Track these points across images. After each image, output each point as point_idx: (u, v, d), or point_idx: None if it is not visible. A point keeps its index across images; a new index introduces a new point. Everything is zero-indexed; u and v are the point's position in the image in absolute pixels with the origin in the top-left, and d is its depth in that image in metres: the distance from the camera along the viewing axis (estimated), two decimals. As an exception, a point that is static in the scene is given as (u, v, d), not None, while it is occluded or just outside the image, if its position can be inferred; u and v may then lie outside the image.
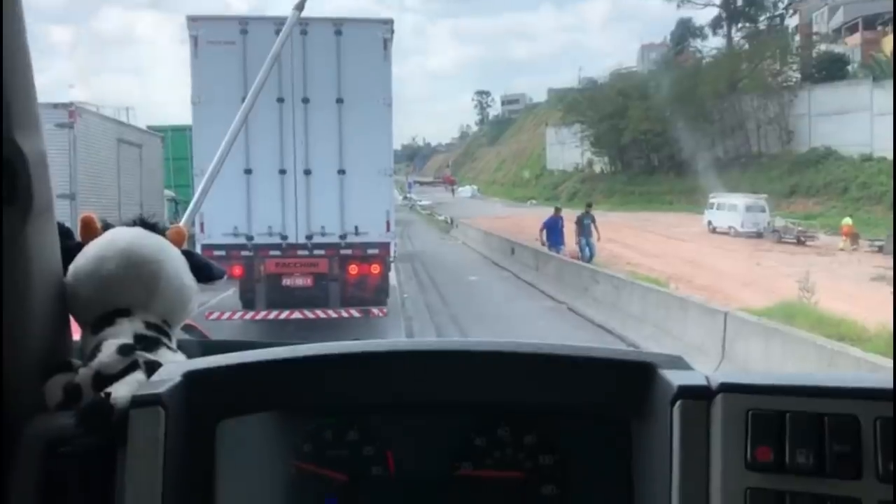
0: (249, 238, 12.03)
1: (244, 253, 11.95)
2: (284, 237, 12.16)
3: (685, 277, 20.10)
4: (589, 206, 23.20)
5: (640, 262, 21.56)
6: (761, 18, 62.36)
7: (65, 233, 1.25)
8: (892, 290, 13.25)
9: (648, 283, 14.80)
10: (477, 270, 22.74)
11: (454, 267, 23.45)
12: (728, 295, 16.80)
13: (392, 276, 14.40)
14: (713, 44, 64.04)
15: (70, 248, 1.24)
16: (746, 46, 58.31)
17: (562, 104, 69.68)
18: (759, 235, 33.71)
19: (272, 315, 12.04)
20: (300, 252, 12.23)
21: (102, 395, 1.07)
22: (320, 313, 12.07)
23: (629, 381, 1.09)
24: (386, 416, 1.15)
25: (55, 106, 13.21)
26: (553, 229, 21.73)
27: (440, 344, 1.16)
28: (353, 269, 12.39)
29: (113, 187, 15.26)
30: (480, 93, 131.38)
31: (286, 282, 12.37)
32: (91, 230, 1.27)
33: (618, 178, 60.55)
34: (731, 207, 35.84)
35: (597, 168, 65.36)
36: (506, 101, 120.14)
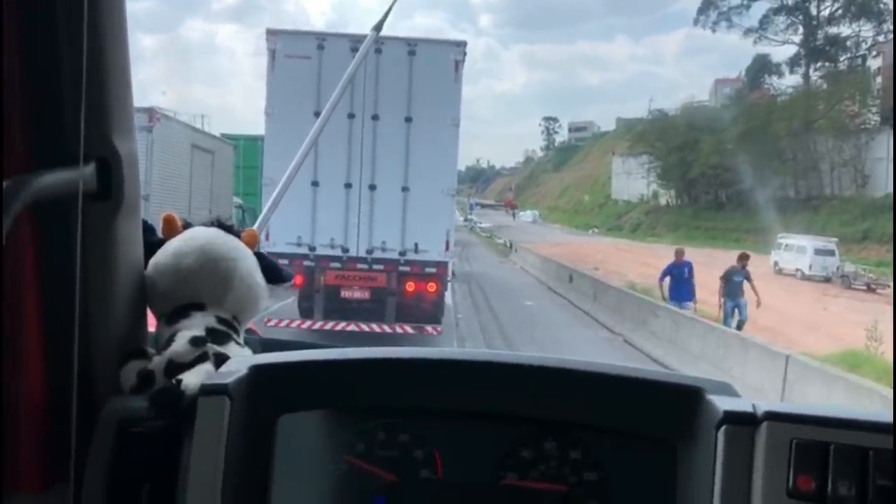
0: (312, 248, 12.23)
1: (306, 263, 12.15)
2: (346, 250, 12.33)
3: (748, 317, 19.60)
4: (745, 258, 16.47)
5: (702, 300, 20.96)
6: (842, 58, 61.01)
7: (148, 229, 1.33)
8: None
9: (709, 320, 14.51)
10: (533, 296, 22.63)
11: (511, 291, 23.38)
12: (791, 338, 16.33)
13: (448, 295, 14.44)
14: (789, 82, 62.98)
15: (152, 244, 1.33)
16: (825, 86, 57.04)
17: (630, 134, 69.18)
18: (826, 280, 32.77)
19: (329, 325, 12.20)
20: (360, 265, 12.38)
21: (174, 382, 1.14)
22: (375, 327, 12.18)
23: (676, 404, 1.10)
24: (437, 421, 1.19)
25: (136, 109, 13.68)
26: (678, 279, 15.83)
27: (494, 356, 1.19)
28: (411, 286, 12.47)
29: (184, 191, 15.73)
30: (548, 119, 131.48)
31: (344, 293, 12.53)
32: (172, 228, 1.35)
33: (683, 211, 59.65)
34: (799, 249, 34.93)
35: (662, 200, 64.52)
36: (573, 129, 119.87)
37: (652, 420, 1.12)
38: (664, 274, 16.10)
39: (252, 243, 1.38)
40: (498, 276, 27.85)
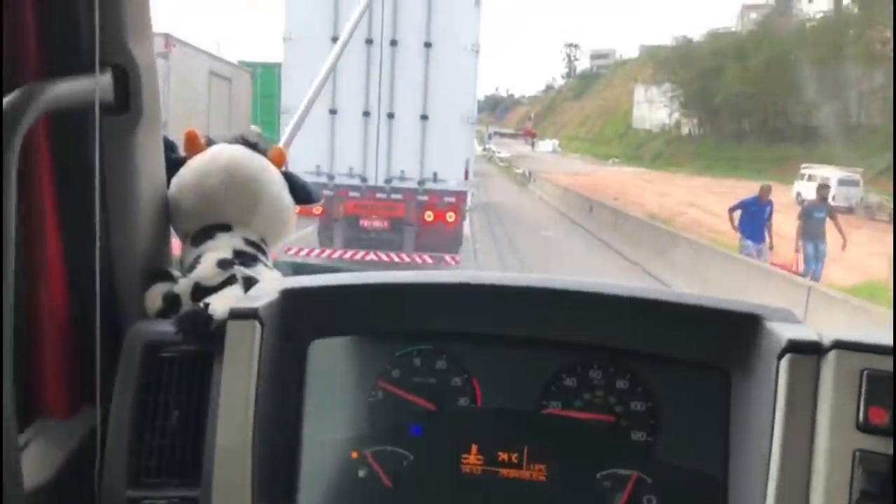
0: (331, 177, 12.20)
1: (325, 192, 12.11)
2: (364, 179, 12.29)
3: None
4: (825, 189, 14.06)
5: (723, 230, 20.74)
6: (875, -19, 58.77)
7: (170, 146, 1.27)
8: None
9: (730, 250, 14.38)
10: (552, 226, 22.52)
11: (529, 221, 23.26)
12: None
13: (466, 225, 14.41)
14: (819, 6, 60.77)
15: (173, 162, 1.27)
16: (856, 10, 55.15)
17: (653, 61, 67.58)
18: (849, 210, 32.31)
19: (348, 254, 12.23)
20: (379, 195, 12.35)
21: (201, 305, 1.09)
22: (394, 256, 12.20)
23: (733, 331, 1.05)
24: (476, 347, 1.14)
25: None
26: (754, 217, 13.14)
27: (536, 280, 1.13)
28: (429, 215, 12.45)
29: (202, 120, 15.58)
30: (569, 45, 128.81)
31: (364, 223, 12.54)
32: (195, 145, 1.29)
33: (706, 141, 58.68)
34: (822, 179, 34.42)
35: (684, 129, 63.44)
36: (595, 56, 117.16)
37: (705, 347, 1.06)
38: (738, 206, 13.59)
39: (279, 161, 1.32)
40: (516, 206, 27.69)
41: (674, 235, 15.69)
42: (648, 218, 19.86)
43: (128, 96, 1.07)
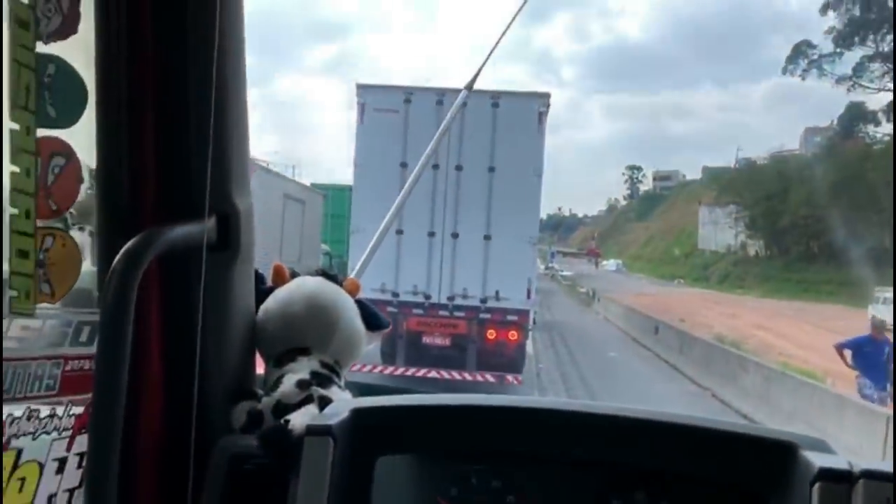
0: (395, 295, 12.42)
1: (389, 309, 12.30)
2: (428, 297, 12.47)
3: (844, 374, 18.69)
4: None
5: (793, 354, 20.07)
6: (944, 104, 58.42)
7: (258, 277, 1.43)
8: None
9: (802, 376, 13.94)
10: (617, 347, 22.22)
11: (593, 341, 23.03)
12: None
13: (529, 344, 14.38)
14: (886, 130, 60.50)
15: (261, 291, 1.43)
16: (924, 133, 54.71)
17: (717, 183, 67.71)
18: (931, 336, 30.93)
19: (410, 371, 12.29)
20: (441, 312, 12.49)
21: (282, 422, 1.21)
22: (456, 374, 12.20)
23: (769, 458, 1.11)
24: (529, 467, 1.23)
25: None
26: (868, 357, 11.65)
27: (587, 406, 1.23)
28: (492, 333, 12.48)
29: (276, 239, 16.25)
30: (632, 167, 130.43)
31: (426, 340, 12.64)
32: (281, 277, 1.45)
33: (773, 263, 57.68)
34: (898, 303, 33.20)
35: (751, 251, 62.64)
36: (658, 177, 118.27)
37: (744, 473, 1.13)
38: (848, 345, 12.25)
39: (353, 291, 1.46)
40: (580, 326, 27.49)
41: (743, 359, 15.29)
42: (716, 340, 19.43)
43: (228, 237, 1.24)
